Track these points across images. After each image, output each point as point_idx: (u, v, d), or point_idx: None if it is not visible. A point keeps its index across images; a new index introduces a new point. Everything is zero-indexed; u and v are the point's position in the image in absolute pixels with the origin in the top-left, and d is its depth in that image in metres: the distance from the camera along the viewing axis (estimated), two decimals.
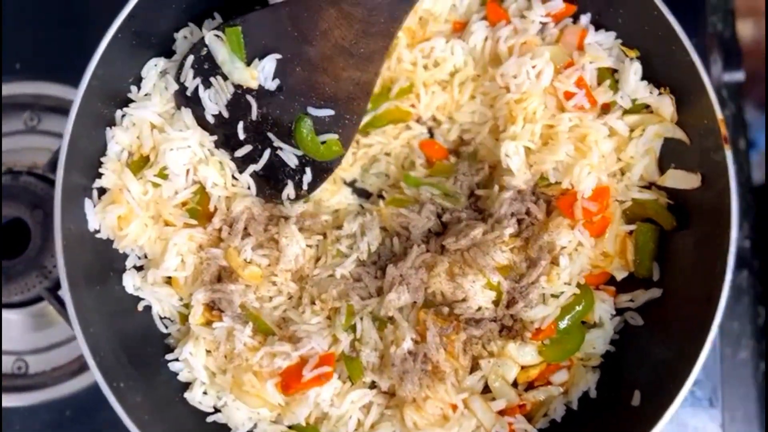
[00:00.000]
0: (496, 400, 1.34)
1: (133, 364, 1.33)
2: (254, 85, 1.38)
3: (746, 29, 1.75)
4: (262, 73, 1.37)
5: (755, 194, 1.76)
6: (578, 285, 1.37)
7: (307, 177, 1.44)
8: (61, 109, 1.77)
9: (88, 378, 1.64)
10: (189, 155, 1.41)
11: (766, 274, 1.67)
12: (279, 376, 1.35)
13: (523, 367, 1.37)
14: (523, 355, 1.35)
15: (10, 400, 1.65)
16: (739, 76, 1.66)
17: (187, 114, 1.41)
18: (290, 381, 1.34)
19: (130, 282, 1.41)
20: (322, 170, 1.45)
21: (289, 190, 1.45)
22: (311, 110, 1.39)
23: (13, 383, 1.67)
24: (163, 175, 1.40)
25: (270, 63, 1.36)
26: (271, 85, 1.38)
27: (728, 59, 1.66)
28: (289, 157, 1.42)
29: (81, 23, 1.78)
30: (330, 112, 1.39)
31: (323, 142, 1.41)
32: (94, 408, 1.63)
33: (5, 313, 1.68)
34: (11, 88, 1.78)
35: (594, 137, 1.39)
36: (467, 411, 1.33)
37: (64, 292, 1.25)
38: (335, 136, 1.41)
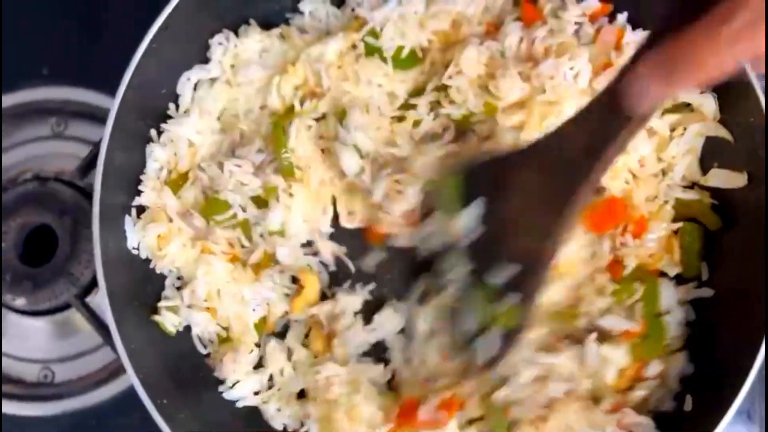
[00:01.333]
0: (602, 402, 1.28)
1: (174, 379, 1.31)
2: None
3: None
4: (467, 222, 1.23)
5: None
6: (642, 276, 1.33)
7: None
8: (88, 114, 1.74)
9: (115, 387, 1.62)
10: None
11: None
12: None
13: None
14: (618, 356, 1.28)
15: (36, 410, 1.62)
16: None
17: None
18: (401, 417, 1.26)
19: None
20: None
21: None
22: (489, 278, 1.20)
23: (40, 392, 1.65)
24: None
25: (477, 209, 1.21)
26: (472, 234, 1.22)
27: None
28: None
29: (110, 28, 1.77)
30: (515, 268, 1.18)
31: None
32: (120, 417, 1.60)
33: (31, 320, 1.67)
34: (38, 93, 1.77)
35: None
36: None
37: (105, 308, 1.23)
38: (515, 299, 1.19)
